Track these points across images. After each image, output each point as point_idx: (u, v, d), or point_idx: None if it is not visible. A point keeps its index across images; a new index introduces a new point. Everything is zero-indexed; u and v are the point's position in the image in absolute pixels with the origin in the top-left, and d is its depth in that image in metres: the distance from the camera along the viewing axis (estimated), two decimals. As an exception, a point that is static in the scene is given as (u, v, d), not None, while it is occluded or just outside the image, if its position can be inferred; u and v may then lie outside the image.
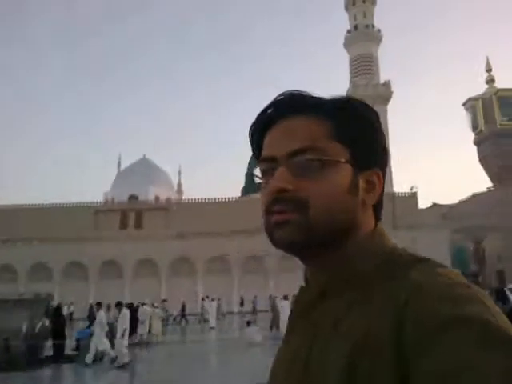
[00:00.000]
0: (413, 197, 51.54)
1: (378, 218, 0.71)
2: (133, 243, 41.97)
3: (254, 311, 29.66)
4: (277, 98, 0.72)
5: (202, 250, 41.88)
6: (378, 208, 0.71)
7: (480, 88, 18.78)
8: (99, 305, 13.27)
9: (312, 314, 0.66)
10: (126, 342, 12.35)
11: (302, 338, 0.66)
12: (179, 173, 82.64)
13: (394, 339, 0.53)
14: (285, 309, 17.97)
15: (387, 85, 56.94)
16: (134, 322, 18.11)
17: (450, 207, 51.18)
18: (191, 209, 52.34)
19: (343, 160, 0.66)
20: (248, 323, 16.82)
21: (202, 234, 47.70)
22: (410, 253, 0.66)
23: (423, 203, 60.58)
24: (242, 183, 70.07)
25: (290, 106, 0.69)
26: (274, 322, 19.61)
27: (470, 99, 17.38)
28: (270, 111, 0.71)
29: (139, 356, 14.95)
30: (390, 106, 57.57)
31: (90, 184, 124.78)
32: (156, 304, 19.48)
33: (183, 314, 27.25)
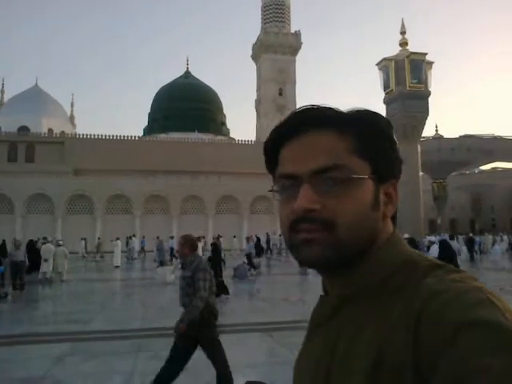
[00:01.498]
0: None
1: (394, 224, 0.73)
2: (24, 177, 39.02)
3: (142, 251, 30.33)
4: (296, 111, 0.71)
5: (102, 188, 40.31)
6: (394, 214, 0.73)
7: (394, 49, 19.99)
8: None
9: (334, 321, 0.68)
10: None
11: (324, 344, 0.68)
12: (72, 104, 77.33)
13: (410, 350, 0.55)
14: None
15: (297, 35, 57.24)
16: (37, 259, 17.27)
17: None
18: (89, 144, 49.56)
19: (367, 176, 0.66)
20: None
21: (101, 172, 45.77)
22: (425, 258, 0.67)
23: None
24: (144, 122, 67.54)
25: (311, 120, 0.68)
26: (162, 262, 20.15)
27: (384, 59, 18.19)
28: (289, 124, 0.70)
29: (42, 294, 14.38)
30: (300, 56, 58.22)
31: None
32: (61, 242, 18.54)
33: None
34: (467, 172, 58.27)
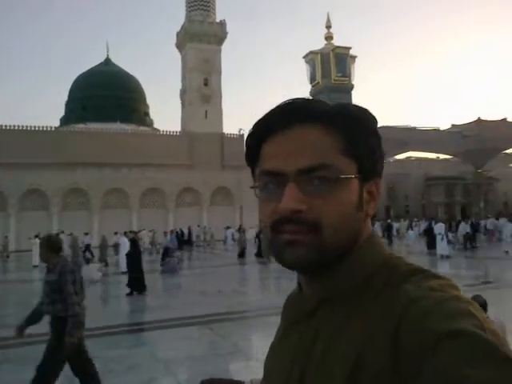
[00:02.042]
0: (240, 139, 54.07)
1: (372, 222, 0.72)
2: None
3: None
4: (281, 103, 0.68)
5: (15, 183, 37.77)
6: (374, 213, 0.71)
7: (321, 42, 20.56)
8: None
9: (311, 321, 0.67)
10: None
11: (300, 344, 0.67)
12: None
13: (390, 355, 0.55)
14: (125, 244, 17.68)
15: (223, 25, 56.95)
16: None
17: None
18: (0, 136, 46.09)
19: (353, 176, 0.64)
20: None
21: (14, 165, 42.81)
22: (405, 262, 0.66)
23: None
24: (61, 112, 64.06)
25: (297, 114, 0.65)
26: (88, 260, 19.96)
27: (310, 52, 18.67)
28: (274, 117, 0.67)
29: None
30: (225, 46, 58.13)
31: None
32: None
33: None
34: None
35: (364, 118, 0.67)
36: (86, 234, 26.76)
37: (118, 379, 5.49)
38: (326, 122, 0.64)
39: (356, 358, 0.57)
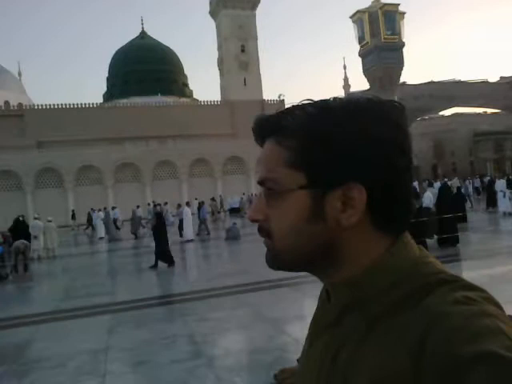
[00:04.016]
0: (281, 104, 53.81)
1: (394, 231, 0.65)
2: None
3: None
4: (256, 119, 0.70)
5: (69, 160, 39.29)
6: (386, 219, 0.64)
7: (368, 1, 19.93)
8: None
9: (334, 331, 0.66)
10: None
11: (324, 354, 0.66)
12: (19, 74, 74.16)
13: (412, 372, 0.53)
14: (187, 214, 18.41)
15: (255, -13, 55.96)
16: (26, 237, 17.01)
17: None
18: (50, 115, 47.75)
19: (294, 187, 0.63)
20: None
21: (65, 143, 44.62)
22: (436, 270, 0.62)
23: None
24: (103, 88, 65.34)
25: (264, 130, 0.68)
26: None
27: (358, 12, 18.29)
28: (254, 133, 0.71)
29: (47, 271, 14.39)
30: (260, 10, 57.07)
31: None
32: (50, 218, 18.28)
33: None
34: (426, 117, 59.71)
35: (326, 120, 0.63)
36: (113, 208, 26.64)
37: (236, 338, 5.96)
38: (279, 136, 0.65)
39: (376, 374, 0.56)
